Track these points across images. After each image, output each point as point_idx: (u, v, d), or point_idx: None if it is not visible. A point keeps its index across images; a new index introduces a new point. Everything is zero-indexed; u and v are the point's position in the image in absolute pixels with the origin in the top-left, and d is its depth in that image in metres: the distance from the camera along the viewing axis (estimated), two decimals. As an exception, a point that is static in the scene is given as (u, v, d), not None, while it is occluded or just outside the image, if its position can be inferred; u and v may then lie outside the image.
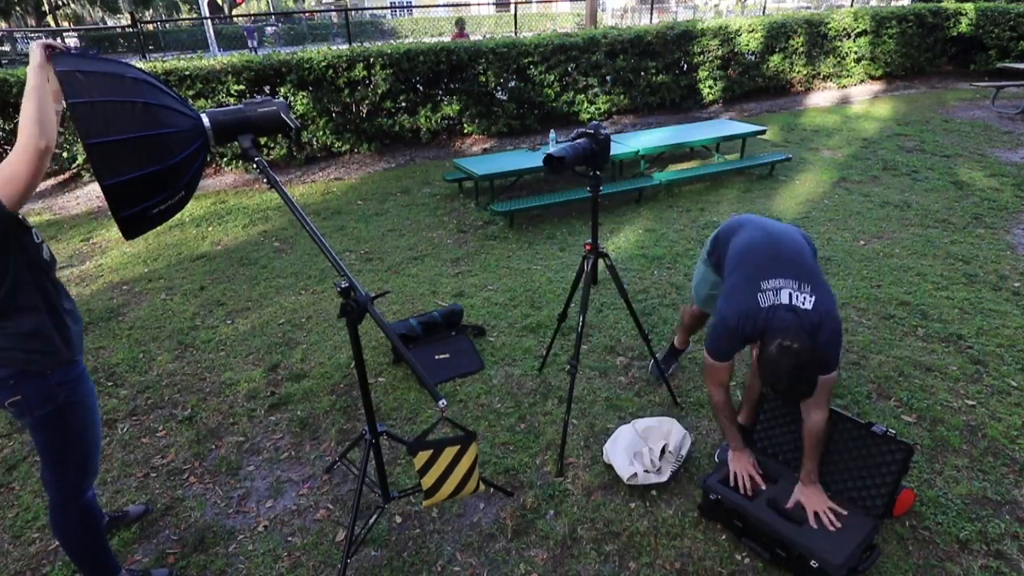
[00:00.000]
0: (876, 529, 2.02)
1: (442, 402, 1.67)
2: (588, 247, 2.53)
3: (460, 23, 11.53)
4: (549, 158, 2.19)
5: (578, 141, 2.28)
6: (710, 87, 9.31)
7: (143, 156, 1.36)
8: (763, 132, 6.52)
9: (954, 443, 2.61)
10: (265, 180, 1.63)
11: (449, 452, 1.92)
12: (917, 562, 2.09)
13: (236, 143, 1.59)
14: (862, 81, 10.77)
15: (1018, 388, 2.94)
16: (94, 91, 1.30)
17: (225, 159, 7.12)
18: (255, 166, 1.61)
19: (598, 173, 2.36)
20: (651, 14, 14.53)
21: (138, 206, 1.40)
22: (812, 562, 1.93)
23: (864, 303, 3.76)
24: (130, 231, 1.43)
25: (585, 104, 8.48)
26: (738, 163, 6.33)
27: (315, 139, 7.25)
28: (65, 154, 6.71)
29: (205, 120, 1.51)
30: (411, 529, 2.30)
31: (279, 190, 1.63)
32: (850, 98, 10.09)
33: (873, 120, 8.50)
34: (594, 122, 2.36)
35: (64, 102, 1.27)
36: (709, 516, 2.28)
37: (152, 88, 1.41)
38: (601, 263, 2.59)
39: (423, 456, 1.88)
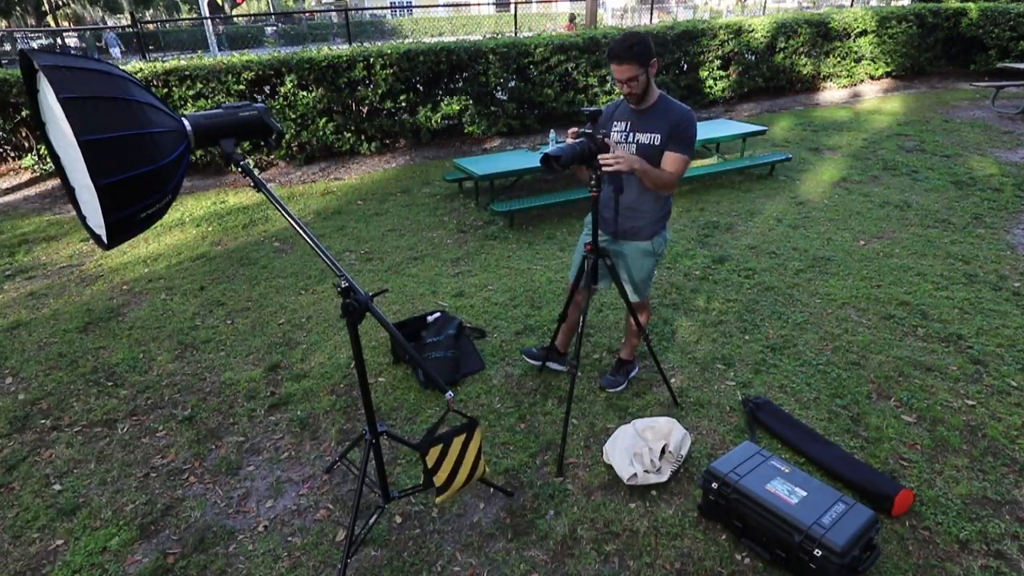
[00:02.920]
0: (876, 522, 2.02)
1: (449, 394, 1.67)
2: (588, 247, 2.53)
3: (572, 17, 12.35)
4: (546, 158, 2.21)
5: (576, 141, 2.29)
6: (710, 87, 9.31)
7: (135, 156, 1.31)
8: (763, 132, 6.52)
9: (954, 443, 2.61)
10: (252, 184, 1.61)
11: (457, 442, 1.92)
12: (917, 562, 2.09)
13: (219, 147, 1.59)
14: (862, 81, 10.77)
15: (1018, 388, 2.94)
16: (83, 87, 1.24)
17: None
18: (239, 169, 1.59)
19: (598, 173, 2.36)
20: (651, 14, 14.53)
21: (127, 209, 1.34)
22: (811, 564, 1.93)
23: (864, 303, 3.76)
24: (116, 237, 1.37)
25: (585, 104, 8.48)
26: (738, 163, 6.33)
27: (315, 139, 7.25)
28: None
29: (186, 124, 1.48)
30: (411, 529, 2.30)
31: (265, 191, 1.60)
32: (850, 98, 10.10)
33: (873, 120, 8.50)
34: (587, 130, 2.37)
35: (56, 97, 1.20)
36: (709, 516, 2.28)
37: (136, 87, 1.37)
38: (601, 263, 2.59)
39: (434, 452, 1.86)
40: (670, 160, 2.43)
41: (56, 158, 1.49)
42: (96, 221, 1.40)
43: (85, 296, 4.31)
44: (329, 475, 2.58)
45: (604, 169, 2.31)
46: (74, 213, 1.57)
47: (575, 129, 2.33)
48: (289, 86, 6.89)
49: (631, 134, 2.51)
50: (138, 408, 3.08)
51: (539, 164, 2.26)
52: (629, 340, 3.03)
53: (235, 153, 1.58)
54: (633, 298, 2.78)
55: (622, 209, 2.66)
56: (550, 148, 2.21)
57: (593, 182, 2.37)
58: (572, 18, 12.57)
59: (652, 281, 2.85)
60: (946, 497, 2.34)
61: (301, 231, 1.61)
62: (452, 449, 1.91)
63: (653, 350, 2.85)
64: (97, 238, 1.42)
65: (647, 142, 2.47)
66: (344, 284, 1.64)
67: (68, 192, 1.50)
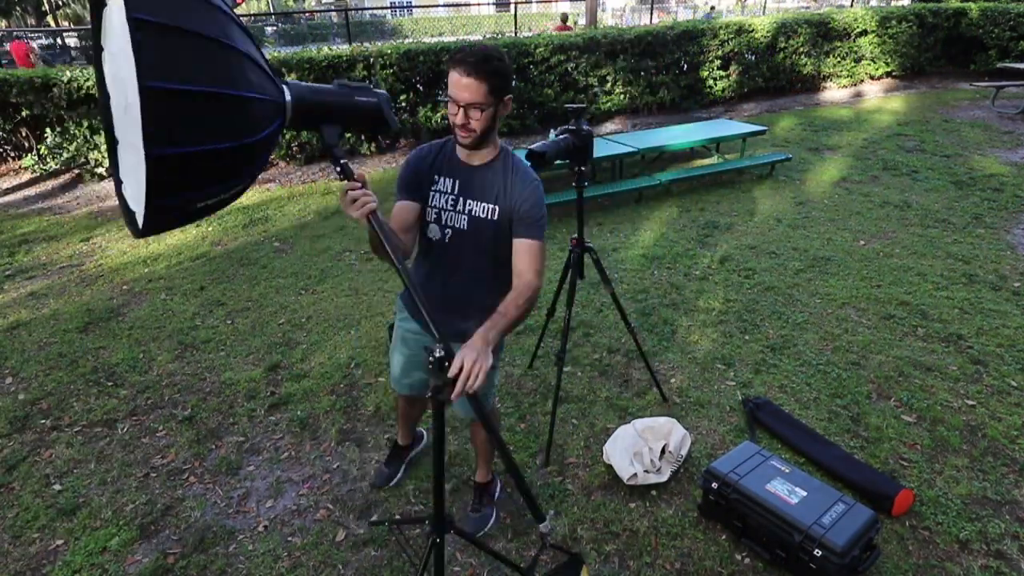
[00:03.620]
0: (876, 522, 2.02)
1: (545, 525, 1.29)
2: (574, 241, 2.54)
3: (564, 16, 12.19)
4: (530, 153, 2.17)
5: (560, 137, 2.28)
6: (710, 87, 9.31)
7: (217, 124, 0.96)
8: (763, 132, 6.52)
9: (954, 443, 2.61)
10: (341, 176, 1.28)
11: None
12: (917, 562, 2.09)
13: (313, 133, 1.28)
14: (862, 81, 10.77)
15: (1018, 388, 2.94)
16: (168, 9, 0.89)
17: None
18: (337, 168, 1.26)
19: (583, 169, 2.38)
20: (651, 14, 14.53)
21: (182, 194, 0.99)
22: (811, 564, 1.93)
23: (864, 303, 3.76)
24: (154, 227, 1.02)
25: (586, 104, 8.48)
26: (738, 163, 6.33)
27: (316, 139, 7.25)
28: (65, 154, 6.71)
29: (287, 93, 1.13)
30: (411, 529, 2.30)
31: (375, 224, 1.29)
32: (850, 98, 10.10)
33: (873, 120, 8.50)
34: (569, 126, 2.34)
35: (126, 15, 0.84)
36: (709, 516, 2.28)
37: (239, 29, 1.02)
38: (588, 258, 2.61)
39: None
40: (524, 251, 1.73)
41: (106, 98, 1.11)
42: (135, 193, 1.06)
43: (85, 296, 4.31)
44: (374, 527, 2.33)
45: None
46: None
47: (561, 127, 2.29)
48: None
49: (460, 200, 1.78)
50: (138, 408, 3.08)
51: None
52: (480, 458, 2.38)
53: (337, 147, 1.24)
54: (467, 415, 2.11)
55: (449, 298, 1.87)
56: (535, 144, 2.21)
57: (575, 183, 2.41)
58: (564, 18, 12.38)
59: (494, 390, 2.21)
60: (946, 497, 2.34)
61: (400, 271, 1.29)
62: None
63: (643, 350, 2.83)
64: (129, 217, 1.10)
65: (482, 215, 1.76)
66: (439, 352, 1.28)
67: (109, 145, 1.15)
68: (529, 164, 1.85)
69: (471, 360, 1.36)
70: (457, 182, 1.78)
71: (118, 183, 1.14)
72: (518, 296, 1.66)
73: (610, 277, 4.19)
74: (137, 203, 1.02)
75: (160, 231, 1.05)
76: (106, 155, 1.10)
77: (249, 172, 1.08)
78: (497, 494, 2.43)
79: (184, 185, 0.98)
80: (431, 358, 1.30)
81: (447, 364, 1.28)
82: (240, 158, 1.03)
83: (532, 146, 2.13)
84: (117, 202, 1.11)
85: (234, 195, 1.10)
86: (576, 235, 2.53)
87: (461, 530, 1.78)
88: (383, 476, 2.53)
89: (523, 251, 1.73)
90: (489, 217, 1.75)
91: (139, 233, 1.03)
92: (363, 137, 7.51)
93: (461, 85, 1.56)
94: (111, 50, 1.04)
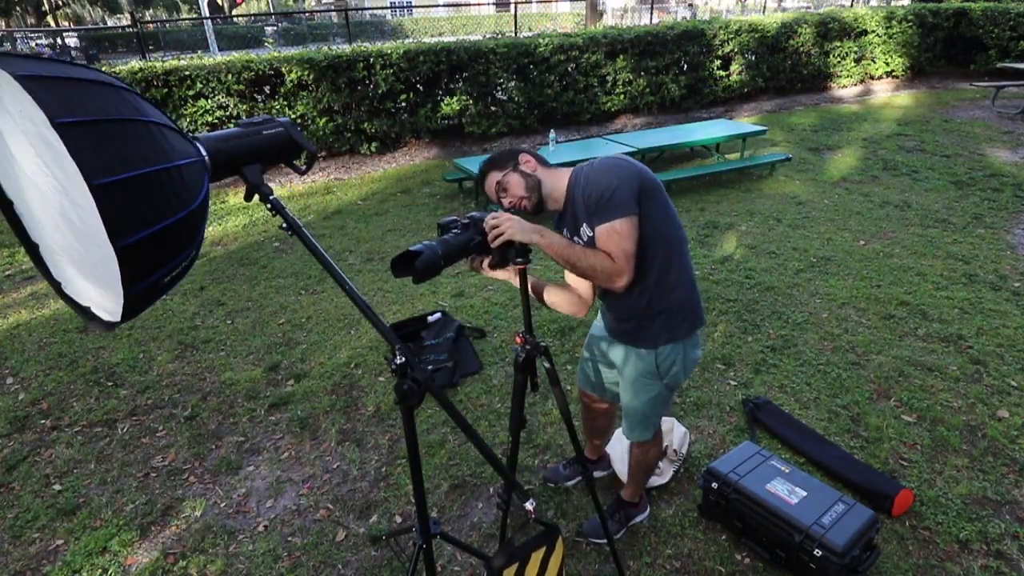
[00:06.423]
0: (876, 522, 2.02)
1: (531, 503, 1.36)
2: (519, 339, 1.74)
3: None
4: (396, 263, 1.48)
5: (451, 235, 1.62)
6: (711, 86, 9.31)
7: (164, 199, 0.95)
8: (763, 132, 6.52)
9: (954, 443, 2.61)
10: (283, 225, 1.23)
11: (536, 557, 1.62)
12: (917, 562, 2.09)
13: (241, 177, 1.20)
14: (862, 81, 10.78)
15: (1018, 388, 2.94)
16: (88, 106, 0.88)
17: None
18: (268, 206, 1.22)
19: (519, 260, 1.67)
20: (651, 14, 14.52)
21: (155, 273, 0.99)
22: (811, 564, 1.93)
23: (864, 303, 3.76)
24: (135, 310, 1.01)
25: (586, 104, 8.49)
26: (738, 163, 6.33)
27: (315, 139, 7.25)
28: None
29: (202, 150, 1.11)
30: (411, 530, 2.30)
31: (299, 234, 1.24)
32: (851, 98, 10.10)
33: (873, 120, 8.50)
34: (475, 214, 1.66)
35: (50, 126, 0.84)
36: (709, 516, 2.28)
37: (143, 101, 1.01)
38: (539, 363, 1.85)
39: (509, 573, 1.57)
40: (600, 237, 1.70)
41: (6, 205, 1.07)
42: (79, 290, 1.06)
43: (85, 296, 4.31)
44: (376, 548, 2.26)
45: (491, 241, 1.61)
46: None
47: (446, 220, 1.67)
48: (289, 86, 6.89)
49: (572, 238, 1.86)
50: (138, 408, 3.08)
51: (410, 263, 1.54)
52: (630, 475, 2.27)
53: (263, 184, 1.20)
54: (627, 435, 2.09)
55: (609, 305, 1.92)
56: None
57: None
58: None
59: (656, 420, 2.04)
60: (946, 497, 2.34)
61: (341, 281, 1.26)
62: (530, 567, 1.60)
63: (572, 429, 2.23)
64: (86, 313, 1.06)
65: (584, 243, 1.79)
66: (400, 359, 1.27)
67: (29, 251, 1.10)
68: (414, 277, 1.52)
69: (506, 217, 1.59)
70: (565, 228, 1.87)
71: (55, 284, 1.12)
72: (596, 255, 1.69)
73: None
74: (89, 300, 1.04)
75: (134, 316, 1.04)
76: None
77: (200, 235, 1.09)
78: (637, 518, 2.28)
79: (152, 266, 0.98)
80: (392, 365, 1.29)
81: (408, 371, 1.28)
82: (191, 224, 1.03)
83: (412, 247, 1.51)
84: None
85: (192, 260, 1.11)
86: (523, 331, 1.73)
87: (448, 535, 1.80)
88: (557, 474, 2.51)
89: (600, 236, 1.70)
90: (588, 240, 1.76)
91: (111, 326, 1.04)
92: (363, 138, 7.51)
93: (488, 190, 1.85)
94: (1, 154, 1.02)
